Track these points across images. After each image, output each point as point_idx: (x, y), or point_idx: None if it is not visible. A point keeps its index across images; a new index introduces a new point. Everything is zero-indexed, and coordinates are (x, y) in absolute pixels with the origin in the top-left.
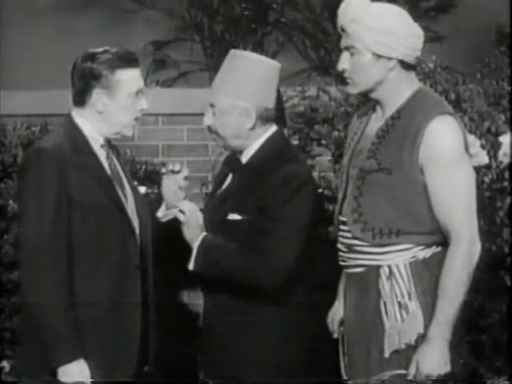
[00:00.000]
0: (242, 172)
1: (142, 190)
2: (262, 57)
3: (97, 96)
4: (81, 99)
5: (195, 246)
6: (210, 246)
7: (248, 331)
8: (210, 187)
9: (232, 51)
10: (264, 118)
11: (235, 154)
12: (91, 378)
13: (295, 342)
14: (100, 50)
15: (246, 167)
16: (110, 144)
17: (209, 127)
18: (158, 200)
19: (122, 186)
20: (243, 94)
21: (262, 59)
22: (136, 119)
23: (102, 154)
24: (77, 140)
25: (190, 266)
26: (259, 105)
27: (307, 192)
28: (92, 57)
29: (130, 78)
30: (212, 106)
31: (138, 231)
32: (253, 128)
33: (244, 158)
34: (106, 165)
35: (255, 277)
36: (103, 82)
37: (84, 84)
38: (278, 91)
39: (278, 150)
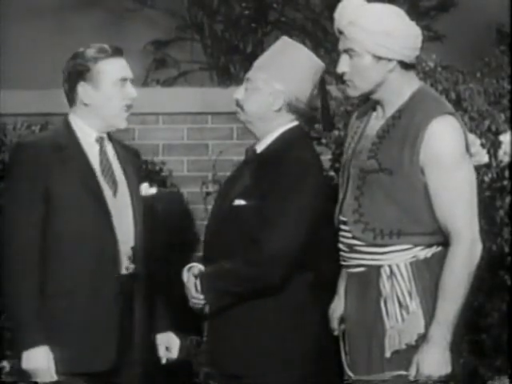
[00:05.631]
0: (254, 161)
1: (153, 190)
2: (311, 52)
3: (82, 89)
4: (71, 97)
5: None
6: (212, 278)
7: (249, 329)
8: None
9: (284, 37)
10: (292, 107)
11: (253, 146)
12: (71, 368)
13: (297, 340)
14: (84, 47)
15: (258, 157)
16: (112, 139)
17: (237, 101)
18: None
19: (111, 179)
20: (280, 76)
21: (310, 54)
22: (126, 108)
23: (93, 149)
24: (63, 135)
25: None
26: (291, 92)
27: (311, 183)
28: (76, 55)
29: (113, 67)
30: (247, 80)
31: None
32: (278, 111)
33: (259, 148)
34: (92, 158)
35: (260, 275)
36: (87, 75)
37: (71, 81)
38: (327, 94)
39: (291, 141)
